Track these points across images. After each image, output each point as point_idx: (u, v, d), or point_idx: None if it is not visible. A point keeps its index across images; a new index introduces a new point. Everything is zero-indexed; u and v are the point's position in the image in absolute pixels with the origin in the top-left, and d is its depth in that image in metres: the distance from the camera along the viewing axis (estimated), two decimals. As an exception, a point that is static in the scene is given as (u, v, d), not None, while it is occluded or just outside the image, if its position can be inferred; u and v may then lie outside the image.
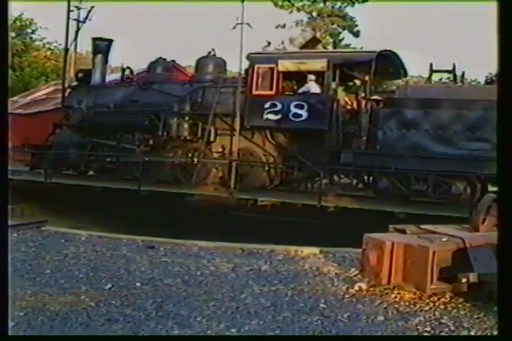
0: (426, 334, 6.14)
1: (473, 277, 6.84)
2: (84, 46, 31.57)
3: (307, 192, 17.83)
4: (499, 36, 3.92)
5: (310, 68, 16.62)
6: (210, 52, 19.51)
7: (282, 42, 46.48)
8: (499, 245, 4.14)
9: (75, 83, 22.53)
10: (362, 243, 7.81)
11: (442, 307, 7.01)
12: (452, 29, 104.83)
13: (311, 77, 16.72)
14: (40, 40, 50.93)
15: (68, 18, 24.61)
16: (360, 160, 15.65)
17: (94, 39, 21.60)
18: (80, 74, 22.02)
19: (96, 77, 21.17)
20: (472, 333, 6.16)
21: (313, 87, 16.78)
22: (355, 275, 8.41)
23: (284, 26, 48.31)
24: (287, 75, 17.15)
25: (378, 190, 15.72)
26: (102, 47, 21.38)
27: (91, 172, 20.87)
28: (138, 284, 7.88)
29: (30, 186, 18.33)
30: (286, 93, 17.29)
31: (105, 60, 21.62)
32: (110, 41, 21.58)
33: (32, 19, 48.97)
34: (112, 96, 20.17)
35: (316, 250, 10.34)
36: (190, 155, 18.24)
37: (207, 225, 14.49)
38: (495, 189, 13.87)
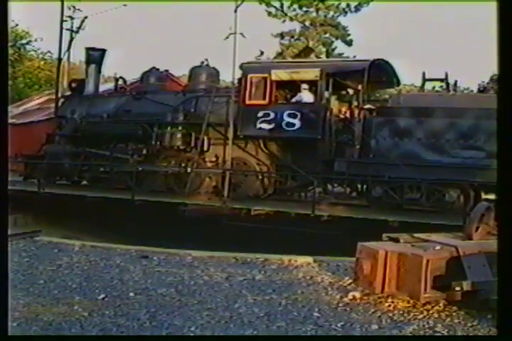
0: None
1: (467, 285, 6.84)
2: (78, 56, 31.60)
3: (301, 201, 17.82)
4: (499, 36, 3.93)
5: (303, 77, 16.65)
6: (203, 62, 19.55)
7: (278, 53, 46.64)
8: (499, 247, 4.15)
9: (68, 93, 22.53)
10: (355, 252, 7.81)
11: (436, 315, 7.01)
12: (445, 38, 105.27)
13: (304, 86, 16.75)
14: (35, 51, 50.89)
15: (61, 28, 24.65)
16: (354, 169, 15.65)
17: (88, 49, 21.63)
18: (73, 84, 22.02)
19: (89, 87, 21.19)
20: (466, 341, 6.17)
21: (305, 97, 16.80)
22: (349, 284, 8.41)
23: (277, 36, 48.49)
24: (280, 85, 17.17)
25: (372, 198, 15.72)
26: (95, 57, 21.41)
27: (84, 182, 20.84)
28: (131, 294, 7.86)
29: (24, 196, 18.21)
30: (280, 102, 17.31)
31: (98, 70, 21.64)
32: (103, 51, 21.61)
33: (27, 32, 48.93)
34: (105, 106, 20.18)
35: (309, 259, 10.34)
36: (183, 164, 18.22)
37: (200, 234, 14.46)
38: (488, 197, 13.91)
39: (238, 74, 17.42)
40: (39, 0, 40.47)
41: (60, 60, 24.91)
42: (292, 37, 48.78)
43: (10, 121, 33.37)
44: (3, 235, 4.08)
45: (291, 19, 47.27)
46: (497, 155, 4.16)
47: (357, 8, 46.51)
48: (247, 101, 17.13)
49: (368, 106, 16.28)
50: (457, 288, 6.88)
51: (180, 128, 18.10)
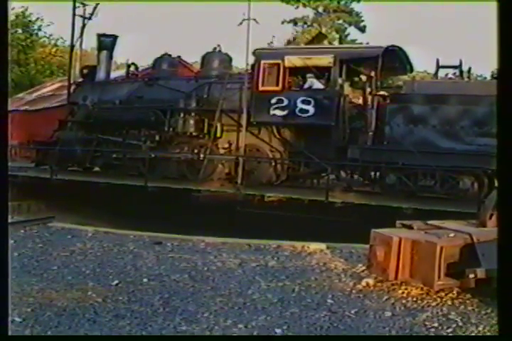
0: (433, 330, 6.12)
1: (480, 273, 6.81)
2: (90, 43, 31.52)
3: (314, 188, 17.80)
4: (499, 36, 3.90)
5: (316, 64, 16.56)
6: (215, 48, 19.48)
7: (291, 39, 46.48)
8: (499, 244, 4.12)
9: (80, 79, 22.54)
10: (369, 238, 7.79)
11: (450, 302, 6.99)
12: (458, 24, 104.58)
13: (310, 74, 16.73)
14: (47, 37, 50.76)
15: (74, 14, 24.60)
16: (367, 156, 15.59)
17: (99, 35, 21.60)
18: (85, 71, 22.02)
19: (101, 74, 21.19)
20: (480, 328, 6.13)
21: (315, 83, 16.77)
22: (363, 271, 8.40)
23: (290, 22, 48.33)
24: (293, 71, 17.10)
25: (385, 185, 15.66)
26: (106, 43, 21.40)
27: (96, 169, 20.87)
28: (145, 280, 7.88)
29: (36, 182, 18.35)
30: (293, 88, 17.24)
31: (110, 56, 21.64)
32: (115, 37, 21.58)
33: (38, 18, 48.74)
34: (117, 93, 20.18)
35: (323, 246, 10.33)
36: (196, 151, 18.20)
37: (214, 221, 14.47)
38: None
39: (251, 60, 17.38)
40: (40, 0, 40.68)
41: (72, 46, 24.90)
42: (305, 23, 48.63)
43: (23, 107, 33.52)
44: (4, 237, 4.05)
45: (304, 5, 47.12)
46: (497, 144, 4.12)
47: (370, -6, 46.30)
48: (261, 88, 17.08)
49: (381, 92, 16.21)
50: (471, 276, 6.85)
51: (193, 114, 18.06)
